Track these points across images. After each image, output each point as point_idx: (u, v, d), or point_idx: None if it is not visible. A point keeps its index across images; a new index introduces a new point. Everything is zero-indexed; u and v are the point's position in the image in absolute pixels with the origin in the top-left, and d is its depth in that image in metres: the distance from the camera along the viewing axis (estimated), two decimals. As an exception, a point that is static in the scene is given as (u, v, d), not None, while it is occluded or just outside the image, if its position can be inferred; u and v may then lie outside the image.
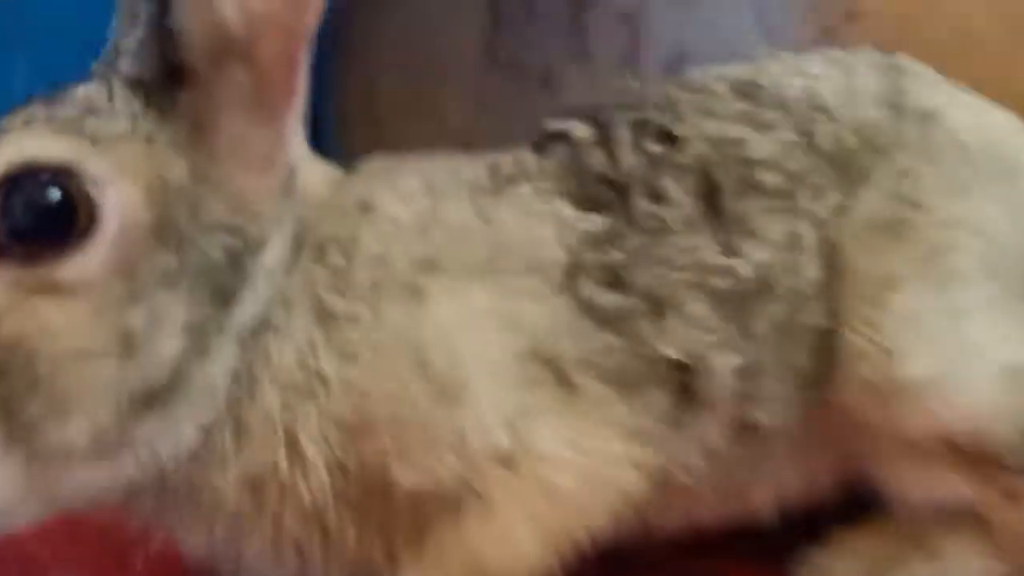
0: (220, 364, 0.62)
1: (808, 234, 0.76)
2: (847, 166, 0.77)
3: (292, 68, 0.62)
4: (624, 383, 0.72)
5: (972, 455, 0.76)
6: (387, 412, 0.65)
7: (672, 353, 0.73)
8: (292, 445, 0.64)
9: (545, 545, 0.70)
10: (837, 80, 0.81)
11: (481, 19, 1.50)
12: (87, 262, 0.57)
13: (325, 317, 0.66)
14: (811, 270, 0.75)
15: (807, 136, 0.78)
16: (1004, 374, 0.75)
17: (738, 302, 0.73)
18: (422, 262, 0.69)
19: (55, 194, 0.56)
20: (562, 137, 0.82)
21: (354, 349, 0.65)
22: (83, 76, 0.64)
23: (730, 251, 0.74)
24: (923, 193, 0.76)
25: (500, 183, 0.76)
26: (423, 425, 0.66)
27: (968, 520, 0.79)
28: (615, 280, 0.73)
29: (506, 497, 0.68)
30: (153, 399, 0.59)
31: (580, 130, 0.82)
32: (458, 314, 0.69)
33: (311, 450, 0.64)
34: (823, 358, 0.76)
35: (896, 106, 0.79)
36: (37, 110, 0.61)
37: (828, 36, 1.29)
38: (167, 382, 0.59)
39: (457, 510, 0.68)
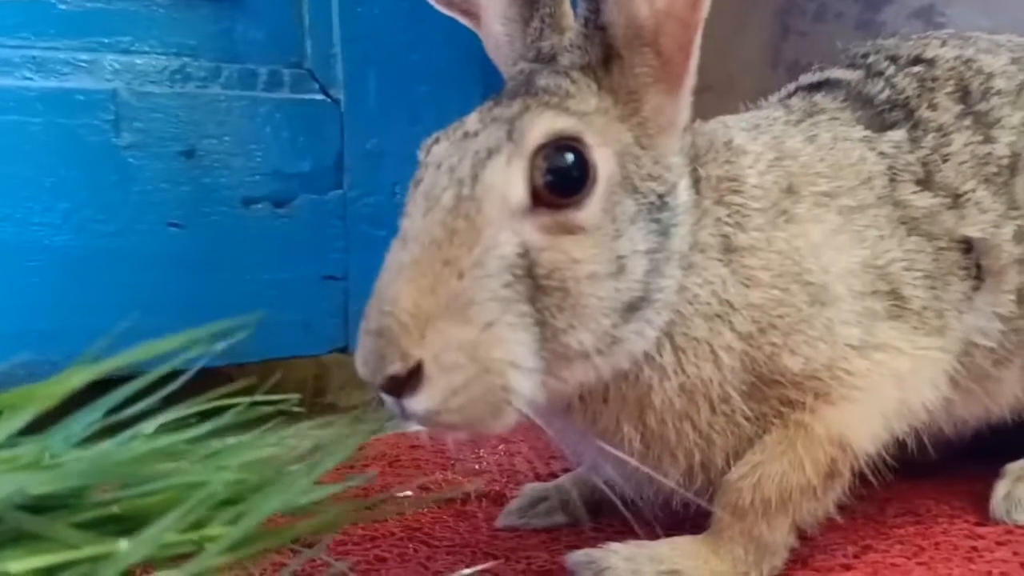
0: (669, 280, 0.78)
1: None
2: None
3: (687, 52, 0.78)
4: (934, 279, 0.86)
5: None
6: (777, 317, 0.81)
7: (974, 233, 0.89)
8: (715, 357, 0.80)
9: (887, 427, 0.84)
10: None
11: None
12: (592, 208, 0.74)
13: (731, 250, 0.81)
14: None
15: (1019, 63, 1.00)
16: None
17: (1003, 180, 0.92)
18: (787, 189, 0.85)
19: (575, 158, 0.74)
20: (829, 83, 0.99)
21: (753, 274, 0.81)
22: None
23: (988, 139, 0.93)
24: None
25: (803, 118, 0.92)
26: (803, 322, 0.81)
27: None
28: (926, 177, 0.89)
29: (863, 383, 0.82)
30: (634, 308, 0.76)
31: (846, 73, 1.00)
32: (821, 231, 0.84)
33: (725, 357, 0.80)
34: None
35: None
36: (524, 99, 0.77)
37: None
38: (642, 294, 0.76)
39: (828, 395, 0.82)
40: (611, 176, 0.75)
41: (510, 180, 0.72)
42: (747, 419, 0.81)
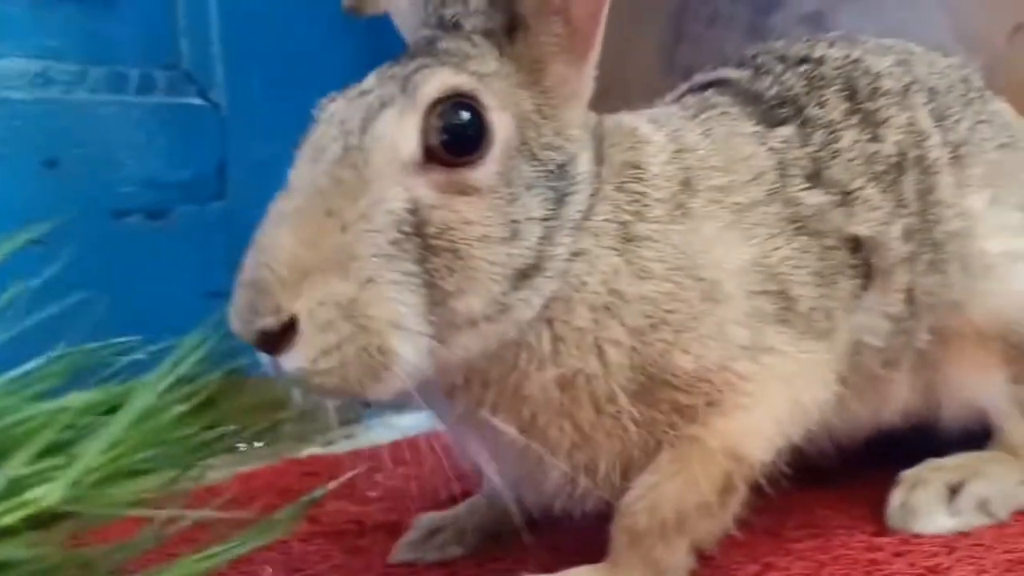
0: (560, 248, 0.76)
1: (922, 120, 0.97)
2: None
3: (596, 20, 0.77)
4: (822, 278, 0.85)
5: (1014, 345, 0.96)
6: (668, 312, 0.78)
7: (863, 231, 0.89)
8: (599, 351, 0.77)
9: (782, 432, 0.82)
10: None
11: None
12: (488, 170, 0.72)
13: (628, 240, 0.79)
14: (933, 151, 0.96)
15: (905, 65, 1.02)
16: None
17: (892, 178, 0.93)
18: (684, 183, 0.83)
19: (472, 116, 0.72)
20: (720, 83, 0.99)
21: (647, 265, 0.78)
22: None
23: (876, 138, 0.94)
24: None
25: (698, 113, 0.91)
26: (695, 319, 0.79)
27: (1005, 450, 1.00)
28: (815, 173, 0.89)
29: (754, 388, 0.80)
30: (526, 275, 0.73)
31: (736, 72, 1.00)
32: (714, 227, 0.82)
33: (612, 352, 0.77)
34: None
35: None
36: (424, 59, 0.75)
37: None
38: (535, 261, 0.74)
39: (720, 403, 0.79)
40: (509, 140, 0.74)
41: (402, 133, 0.71)
42: (635, 423, 0.78)
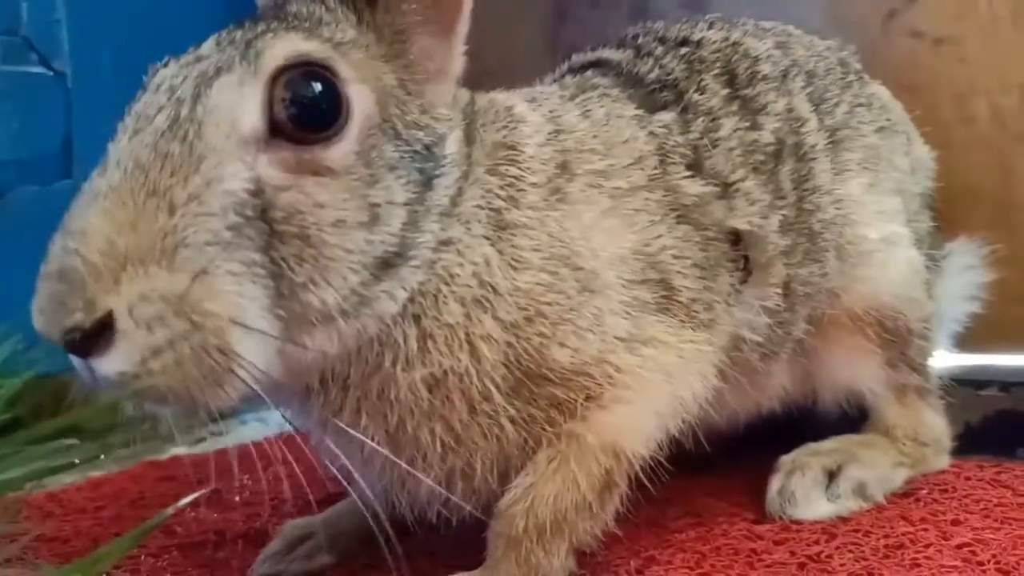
0: (427, 235, 0.69)
1: (800, 106, 0.95)
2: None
3: None
4: (703, 269, 0.82)
5: (889, 330, 0.96)
6: (545, 304, 0.73)
7: (742, 225, 0.87)
8: (471, 348, 0.71)
9: (661, 425, 0.79)
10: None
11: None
12: (344, 148, 0.64)
13: (501, 227, 0.73)
14: (810, 137, 0.95)
15: (783, 48, 1.00)
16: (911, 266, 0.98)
17: (770, 168, 0.91)
18: (561, 166, 0.78)
19: (324, 88, 0.64)
20: (599, 64, 0.95)
21: (523, 255, 0.73)
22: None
23: (755, 125, 0.92)
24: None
25: (577, 93, 0.87)
26: (571, 311, 0.74)
27: (880, 433, 1.01)
28: (695, 162, 0.85)
29: (633, 381, 0.76)
30: (388, 264, 0.67)
31: (616, 54, 0.97)
32: (592, 214, 0.77)
33: (485, 349, 0.71)
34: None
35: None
36: (270, 23, 0.67)
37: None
38: (397, 249, 0.67)
39: (599, 396, 0.75)
40: (369, 116, 0.67)
41: (242, 104, 0.63)
42: (512, 421, 0.73)
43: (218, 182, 0.61)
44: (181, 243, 0.59)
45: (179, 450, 1.38)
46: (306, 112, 0.63)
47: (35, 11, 1.39)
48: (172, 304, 0.58)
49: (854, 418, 1.03)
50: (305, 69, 0.64)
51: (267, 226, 0.62)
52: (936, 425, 1.02)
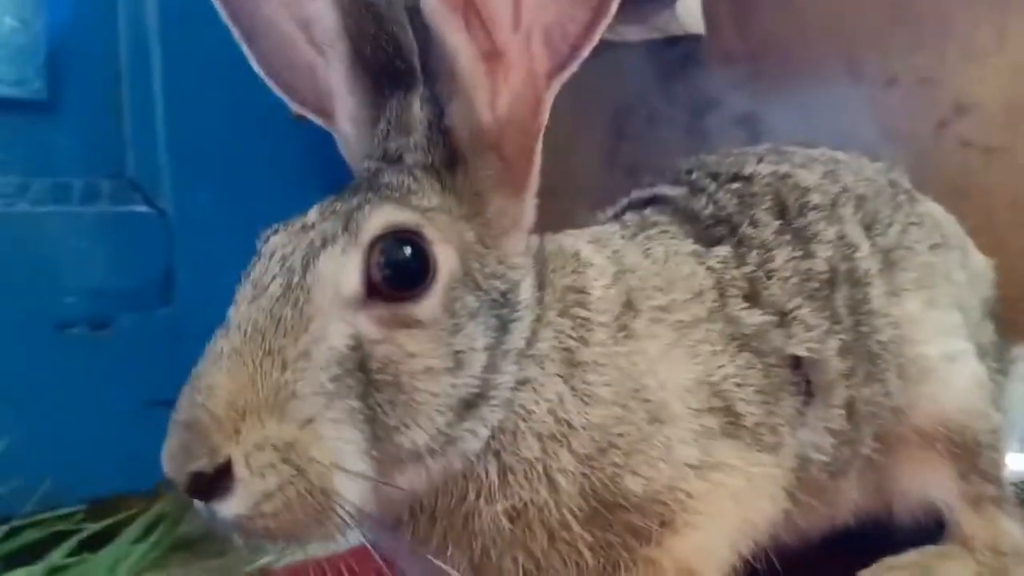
0: (506, 376, 0.75)
1: (851, 231, 0.99)
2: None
3: (529, 157, 0.78)
4: (766, 395, 0.86)
5: (958, 444, 0.98)
6: (617, 436, 0.78)
7: (801, 352, 0.90)
8: (549, 481, 0.76)
9: (733, 549, 0.83)
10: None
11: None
12: (431, 303, 0.72)
13: (573, 365, 0.79)
14: (863, 262, 0.98)
15: (832, 176, 1.04)
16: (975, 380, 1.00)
17: (824, 295, 0.94)
18: (626, 304, 0.83)
19: (414, 251, 0.72)
20: (656, 200, 1.01)
21: (594, 391, 0.78)
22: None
23: (808, 254, 0.94)
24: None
25: (637, 232, 0.93)
26: (643, 441, 0.79)
27: (958, 543, 1.00)
28: (753, 293, 0.90)
29: (704, 507, 0.80)
30: (470, 404, 0.73)
31: (672, 190, 1.02)
32: (657, 347, 0.83)
33: (562, 481, 0.76)
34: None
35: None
36: (366, 194, 0.76)
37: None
38: (479, 391, 0.73)
39: (672, 522, 0.79)
40: (452, 272, 0.73)
41: (344, 270, 0.70)
42: (590, 548, 0.77)
43: (323, 340, 0.68)
44: (292, 396, 0.66)
45: (268, 559, 1.44)
46: (399, 273, 0.71)
47: (140, 155, 1.53)
48: (282, 451, 0.64)
49: (931, 529, 1.03)
50: (398, 236, 0.72)
51: (364, 376, 0.68)
52: (1015, 533, 1.01)
